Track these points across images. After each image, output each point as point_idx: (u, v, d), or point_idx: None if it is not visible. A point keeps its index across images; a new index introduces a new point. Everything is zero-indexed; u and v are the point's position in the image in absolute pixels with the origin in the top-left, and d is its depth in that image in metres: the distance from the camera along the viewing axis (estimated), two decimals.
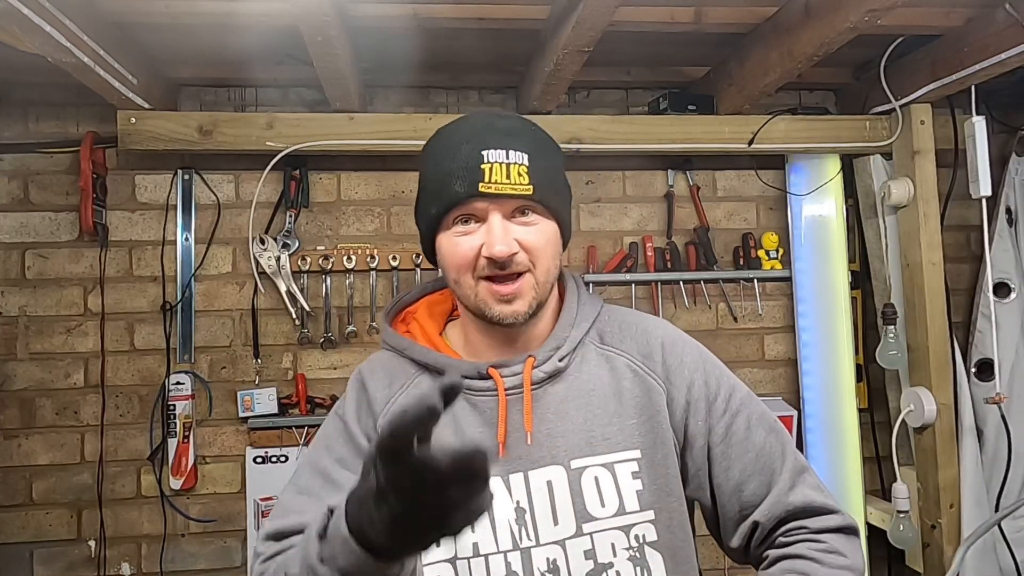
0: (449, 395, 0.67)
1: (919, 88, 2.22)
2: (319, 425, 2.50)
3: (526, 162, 0.96)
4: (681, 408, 1.04)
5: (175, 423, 2.30)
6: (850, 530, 1.02)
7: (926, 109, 2.35)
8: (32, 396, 2.29)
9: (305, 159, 2.34)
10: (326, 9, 1.62)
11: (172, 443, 2.30)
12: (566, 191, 1.06)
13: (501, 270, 0.97)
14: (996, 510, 2.42)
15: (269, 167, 2.26)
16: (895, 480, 2.30)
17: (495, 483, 1.00)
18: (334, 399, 2.35)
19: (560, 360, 1.04)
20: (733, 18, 2.03)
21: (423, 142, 2.49)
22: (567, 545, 0.98)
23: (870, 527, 2.46)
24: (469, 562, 0.99)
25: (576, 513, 0.99)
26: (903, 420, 2.34)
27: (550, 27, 1.92)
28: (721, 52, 2.28)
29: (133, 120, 2.16)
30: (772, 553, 1.00)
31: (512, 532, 0.99)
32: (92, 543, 2.27)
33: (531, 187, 0.96)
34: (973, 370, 2.51)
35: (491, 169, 0.95)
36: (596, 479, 1.00)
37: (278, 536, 0.96)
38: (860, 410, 2.54)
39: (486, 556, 0.99)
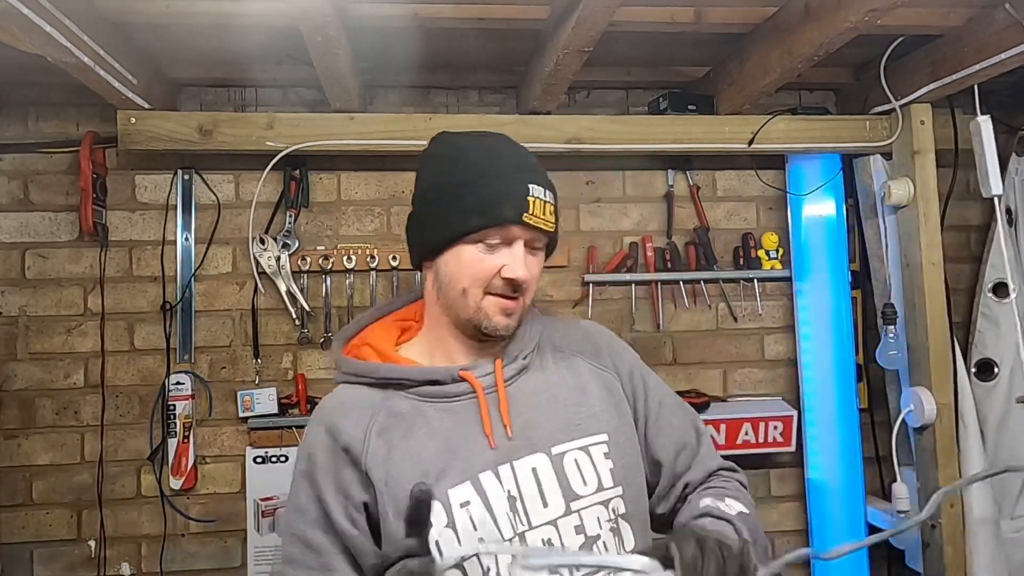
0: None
1: (919, 88, 2.22)
2: None
3: (554, 202, 1.11)
4: (630, 393, 1.20)
5: (175, 423, 2.30)
6: (744, 484, 1.21)
7: (926, 109, 2.35)
8: (32, 396, 2.29)
9: (305, 159, 2.34)
10: (326, 9, 1.62)
11: (172, 443, 2.30)
12: None
13: (512, 292, 1.09)
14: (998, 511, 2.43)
15: (269, 167, 2.26)
16: (895, 480, 2.30)
17: (488, 477, 1.05)
18: None
19: (524, 358, 1.15)
20: (733, 18, 2.03)
21: (423, 142, 2.49)
22: (559, 524, 1.05)
23: (870, 527, 2.46)
24: (478, 557, 1.02)
25: (564, 494, 1.07)
26: (903, 420, 2.34)
27: (550, 27, 1.92)
28: (721, 52, 2.28)
29: (133, 120, 2.16)
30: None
31: (509, 520, 1.04)
32: (92, 543, 2.27)
33: (553, 226, 1.11)
34: (973, 370, 2.51)
35: (534, 203, 1.07)
36: (576, 461, 1.09)
37: None
38: (860, 410, 2.54)
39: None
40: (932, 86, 2.18)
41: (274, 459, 2.32)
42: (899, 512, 2.26)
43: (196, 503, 2.33)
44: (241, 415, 2.32)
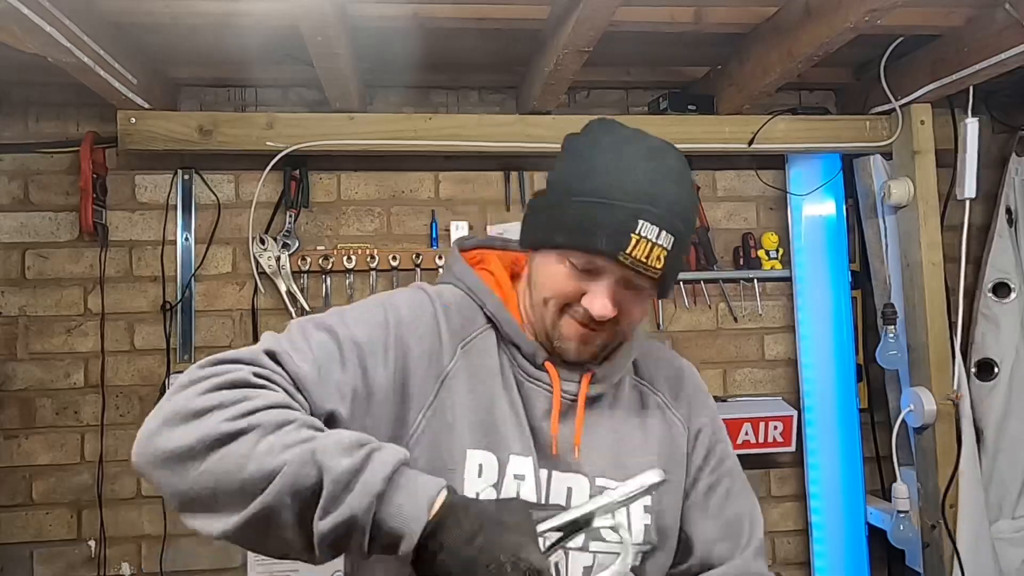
0: None
1: (919, 88, 2.22)
2: None
3: (670, 247, 0.93)
4: (693, 451, 1.10)
5: None
6: None
7: (926, 109, 2.35)
8: (32, 396, 2.29)
9: (305, 159, 2.34)
10: (326, 9, 1.62)
11: None
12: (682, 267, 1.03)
13: (592, 321, 0.97)
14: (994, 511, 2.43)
15: (269, 167, 2.26)
16: (895, 480, 2.30)
17: (521, 462, 0.97)
18: None
19: (612, 384, 1.06)
20: (733, 18, 2.03)
21: (423, 142, 2.48)
22: (571, 554, 0.98)
23: (870, 527, 2.46)
24: None
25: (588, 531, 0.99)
26: (903, 420, 2.34)
27: (550, 27, 1.92)
28: (721, 52, 2.28)
29: (133, 120, 2.16)
30: None
31: None
32: (92, 543, 2.27)
33: (660, 274, 0.94)
34: (973, 370, 2.51)
35: (637, 243, 0.91)
36: None
37: (274, 357, 0.89)
38: (860, 410, 2.54)
39: None
40: (932, 86, 2.18)
41: None
42: (899, 512, 2.27)
43: None
44: None
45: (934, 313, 2.31)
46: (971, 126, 2.21)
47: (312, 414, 0.87)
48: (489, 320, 1.04)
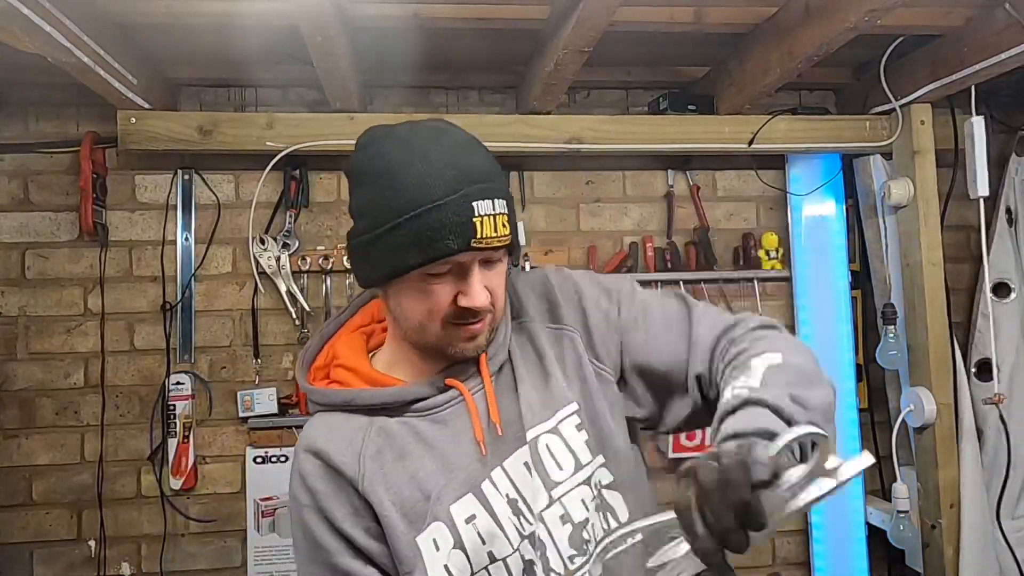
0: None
1: (919, 88, 2.22)
2: None
3: (506, 209, 0.96)
4: (591, 337, 1.09)
5: (175, 423, 2.30)
6: (769, 324, 1.04)
7: (926, 109, 2.35)
8: (32, 396, 2.29)
9: (305, 159, 2.34)
10: (326, 9, 1.62)
11: (172, 443, 2.30)
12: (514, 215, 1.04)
13: (473, 317, 0.99)
14: (997, 512, 2.43)
15: (269, 167, 2.26)
16: (895, 480, 2.30)
17: (487, 486, 1.01)
18: None
19: (505, 347, 1.07)
20: (733, 18, 2.03)
21: None
22: (545, 517, 1.01)
23: (870, 527, 2.46)
24: (488, 570, 0.99)
25: (544, 484, 1.02)
26: (903, 420, 2.34)
27: (550, 27, 1.92)
28: (721, 52, 2.28)
29: (133, 120, 2.16)
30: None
31: (515, 526, 1.00)
32: (92, 543, 2.27)
33: (509, 235, 0.97)
34: (973, 370, 2.51)
35: (482, 223, 0.93)
36: (548, 446, 1.03)
37: None
38: (860, 410, 2.54)
39: (504, 560, 1.00)
40: (932, 86, 2.18)
41: (274, 459, 2.32)
42: (899, 512, 2.27)
43: (196, 503, 2.33)
44: (241, 415, 2.32)
45: (934, 313, 2.31)
46: (976, 125, 2.20)
47: None
48: (372, 410, 1.05)
